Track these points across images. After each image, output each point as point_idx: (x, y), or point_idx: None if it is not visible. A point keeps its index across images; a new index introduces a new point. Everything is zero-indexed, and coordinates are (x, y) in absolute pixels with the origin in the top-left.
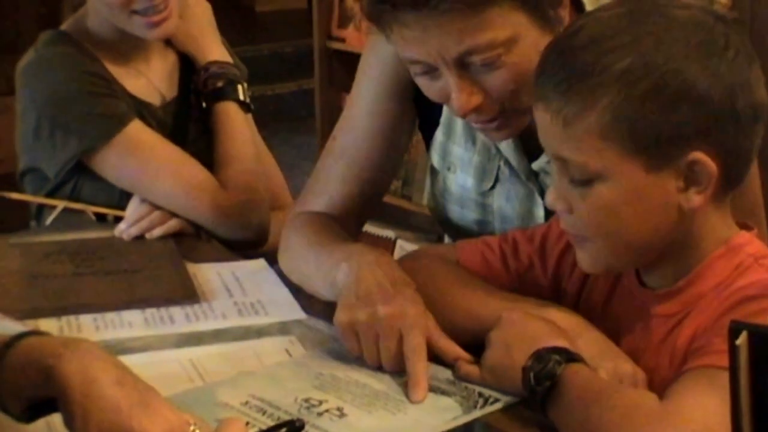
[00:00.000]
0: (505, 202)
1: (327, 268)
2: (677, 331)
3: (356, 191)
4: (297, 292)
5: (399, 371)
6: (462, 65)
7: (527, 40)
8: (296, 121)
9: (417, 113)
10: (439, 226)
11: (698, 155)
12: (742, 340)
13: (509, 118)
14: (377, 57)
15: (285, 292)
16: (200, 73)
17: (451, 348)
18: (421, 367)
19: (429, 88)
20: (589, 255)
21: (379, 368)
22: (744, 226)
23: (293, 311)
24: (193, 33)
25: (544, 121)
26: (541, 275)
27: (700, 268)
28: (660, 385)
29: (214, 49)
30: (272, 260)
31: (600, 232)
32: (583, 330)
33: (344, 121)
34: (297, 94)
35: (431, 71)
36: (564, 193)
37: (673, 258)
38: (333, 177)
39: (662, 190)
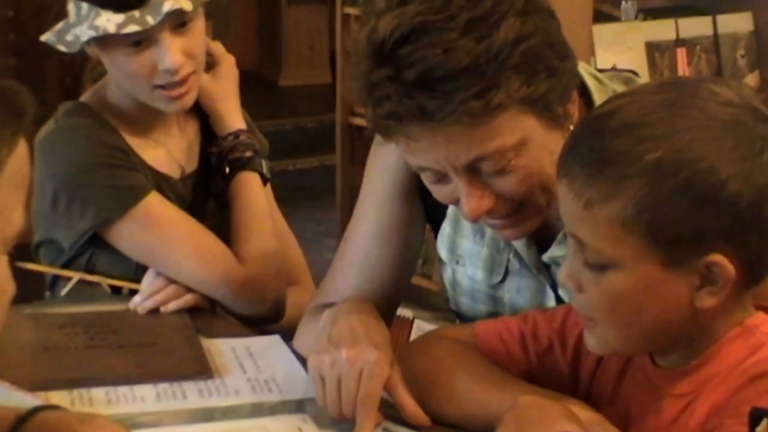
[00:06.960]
0: (516, 294)
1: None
2: (689, 410)
3: (370, 297)
4: None
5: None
6: (471, 171)
7: (537, 142)
8: (317, 197)
9: (424, 206)
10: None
11: (717, 257)
12: (762, 427)
13: (523, 214)
14: (382, 162)
15: (299, 369)
16: (228, 138)
17: (410, 405)
18: (369, 420)
19: (439, 192)
20: (597, 338)
21: None
22: (763, 309)
23: (307, 389)
24: (220, 93)
25: (566, 197)
26: (560, 357)
27: (714, 348)
28: None
29: (237, 116)
30: (287, 336)
31: (609, 318)
32: (600, 422)
33: (354, 225)
34: (319, 170)
35: (441, 177)
36: (576, 272)
37: (686, 340)
38: (346, 283)
39: (676, 287)
